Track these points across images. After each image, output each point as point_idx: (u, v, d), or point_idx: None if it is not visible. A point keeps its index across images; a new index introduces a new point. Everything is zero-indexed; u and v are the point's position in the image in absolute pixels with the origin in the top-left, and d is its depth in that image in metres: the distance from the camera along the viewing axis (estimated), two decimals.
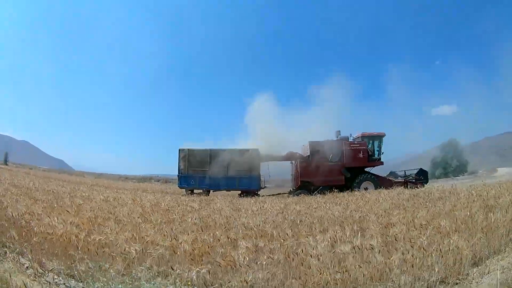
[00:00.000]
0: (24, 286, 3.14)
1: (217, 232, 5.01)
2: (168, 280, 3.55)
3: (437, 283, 3.35)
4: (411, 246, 4.01)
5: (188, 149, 19.43)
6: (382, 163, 18.08)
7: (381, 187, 15.86)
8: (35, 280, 3.53)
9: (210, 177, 18.44)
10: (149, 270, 3.75)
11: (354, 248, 3.92)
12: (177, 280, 3.44)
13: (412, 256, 3.67)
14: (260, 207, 9.09)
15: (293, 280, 3.27)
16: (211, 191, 18.64)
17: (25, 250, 4.26)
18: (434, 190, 10.95)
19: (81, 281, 3.58)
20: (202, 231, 5.38)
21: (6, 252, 4.22)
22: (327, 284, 3.14)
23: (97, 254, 4.18)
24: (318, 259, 3.63)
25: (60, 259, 4.12)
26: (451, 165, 26.03)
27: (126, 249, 4.17)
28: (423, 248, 3.89)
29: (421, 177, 17.33)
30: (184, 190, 19.13)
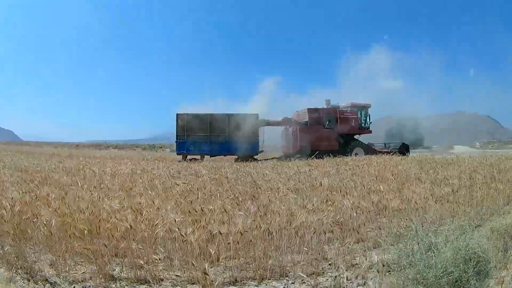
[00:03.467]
0: None
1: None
2: None
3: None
4: (479, 188, 6.21)
5: (187, 113, 19.70)
6: (370, 132, 20.67)
7: (369, 154, 18.08)
8: None
9: (211, 142, 19.21)
10: None
11: (450, 191, 5.97)
12: None
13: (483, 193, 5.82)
14: (298, 171, 10.07)
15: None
16: (207, 156, 19.43)
17: None
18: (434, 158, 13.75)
19: None
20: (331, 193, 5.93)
21: None
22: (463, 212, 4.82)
23: None
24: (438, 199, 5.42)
25: None
26: (408, 138, 28.41)
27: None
28: (487, 189, 6.17)
29: (404, 150, 20.00)
30: (181, 156, 19.42)
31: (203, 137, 19.30)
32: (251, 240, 3.54)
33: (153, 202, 4.83)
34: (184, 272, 3.22)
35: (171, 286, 3.14)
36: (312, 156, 17.53)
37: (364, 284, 3.00)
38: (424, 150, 29.61)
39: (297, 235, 3.72)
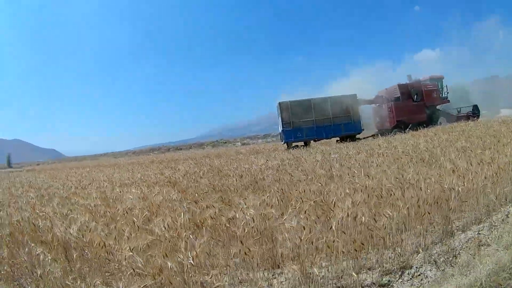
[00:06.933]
0: None
1: None
2: None
3: None
4: None
5: (290, 101, 20.57)
6: (448, 101, 22.32)
7: (451, 122, 19.57)
8: None
9: (317, 126, 20.22)
10: None
11: None
12: None
13: None
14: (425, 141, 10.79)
15: None
16: (311, 141, 20.30)
17: None
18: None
19: None
20: None
21: None
22: None
23: None
24: None
25: None
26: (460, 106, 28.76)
27: None
28: None
29: (476, 112, 21.34)
30: (286, 145, 20.45)
31: (308, 123, 20.19)
32: None
33: None
34: None
35: None
36: (407, 130, 18.94)
37: None
38: None
39: None
